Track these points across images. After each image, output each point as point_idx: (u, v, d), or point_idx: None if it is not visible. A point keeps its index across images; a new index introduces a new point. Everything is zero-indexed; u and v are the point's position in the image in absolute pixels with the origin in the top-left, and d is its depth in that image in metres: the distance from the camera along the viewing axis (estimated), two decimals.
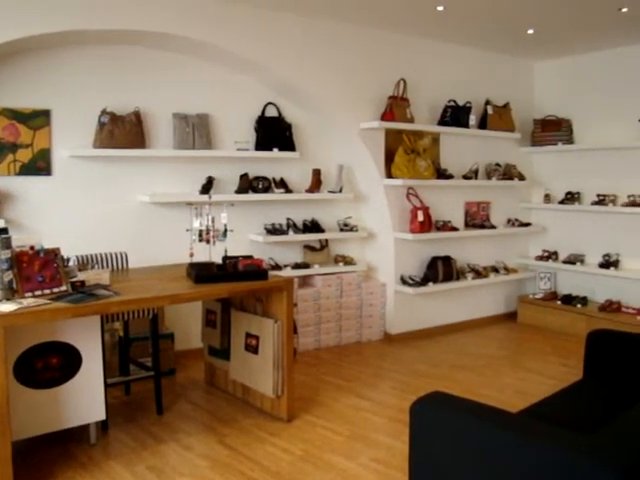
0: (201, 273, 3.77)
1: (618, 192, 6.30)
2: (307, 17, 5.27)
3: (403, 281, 5.99)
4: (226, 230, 4.14)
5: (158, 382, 4.13)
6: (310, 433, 3.81)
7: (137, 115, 4.84)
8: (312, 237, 5.69)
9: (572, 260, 6.58)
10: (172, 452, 3.55)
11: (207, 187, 5.14)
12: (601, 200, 6.32)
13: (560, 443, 1.94)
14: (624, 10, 5.00)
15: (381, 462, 3.45)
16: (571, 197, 6.61)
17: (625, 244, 6.33)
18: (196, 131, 5.07)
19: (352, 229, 5.93)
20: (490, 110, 6.36)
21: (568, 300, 6.45)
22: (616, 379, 3.41)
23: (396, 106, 5.68)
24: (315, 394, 4.52)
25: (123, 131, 4.74)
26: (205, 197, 4.72)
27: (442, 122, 6.15)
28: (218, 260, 4.12)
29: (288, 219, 5.66)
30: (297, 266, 5.62)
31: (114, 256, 4.34)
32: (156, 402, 4.13)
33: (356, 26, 5.56)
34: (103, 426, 3.81)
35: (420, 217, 5.85)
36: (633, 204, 6.03)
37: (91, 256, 4.19)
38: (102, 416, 3.60)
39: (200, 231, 4.11)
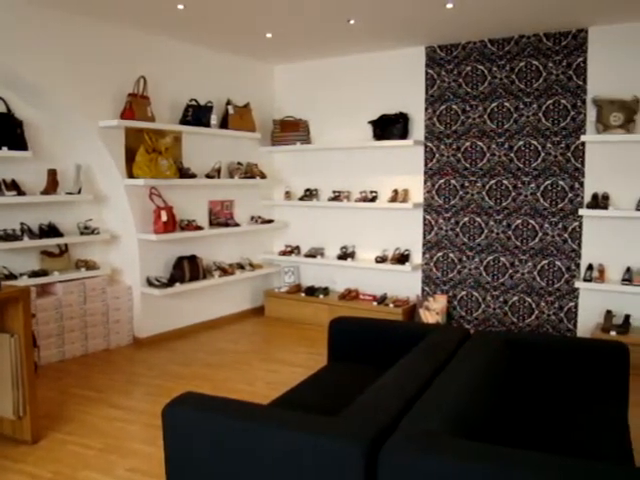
0: None
1: (352, 188, 6.82)
2: (38, 7, 4.88)
3: (149, 283, 5.87)
4: None
5: None
6: (60, 452, 3.57)
7: None
8: (50, 242, 5.31)
9: (313, 253, 6.97)
10: None
11: None
12: (337, 196, 6.78)
13: (306, 428, 2.05)
14: (352, 22, 5.40)
15: (138, 471, 3.35)
16: (310, 194, 7.00)
17: (359, 236, 6.87)
18: None
19: (93, 232, 5.65)
20: (231, 110, 6.47)
21: (311, 291, 6.82)
22: (357, 361, 3.69)
23: (136, 104, 5.52)
24: (63, 409, 4.23)
25: None
26: None
27: (184, 121, 6.11)
28: None
29: (22, 224, 5.21)
30: (34, 274, 5.21)
31: None
32: None
33: (92, 20, 5.27)
34: None
35: (164, 217, 5.77)
36: (364, 199, 6.57)
37: None
38: None
39: None
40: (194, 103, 6.16)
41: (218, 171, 6.47)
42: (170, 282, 5.93)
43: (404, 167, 6.50)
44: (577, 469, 1.74)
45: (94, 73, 5.38)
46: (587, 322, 5.67)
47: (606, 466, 1.77)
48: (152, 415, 4.13)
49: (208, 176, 6.38)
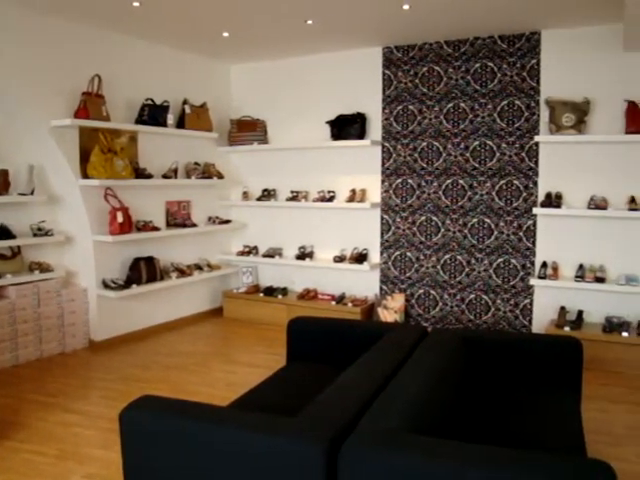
0: None
1: (309, 188, 6.82)
2: None
3: (105, 285, 5.78)
4: None
5: None
6: (12, 461, 3.47)
7: None
8: (2, 244, 5.17)
9: (271, 254, 6.95)
10: None
11: None
12: (294, 196, 6.77)
13: (266, 429, 2.04)
14: (309, 22, 5.40)
15: (96, 477, 3.29)
16: (267, 194, 6.98)
17: (317, 236, 6.88)
18: None
19: (47, 233, 5.54)
20: (188, 109, 6.41)
21: (270, 292, 6.80)
22: (316, 361, 3.69)
23: (91, 103, 5.42)
24: (17, 416, 4.13)
25: None
26: None
27: (140, 121, 6.02)
28: None
29: None
30: None
31: None
32: None
33: (45, 16, 5.16)
34: None
35: (120, 218, 5.69)
36: (322, 199, 6.57)
37: None
38: None
39: None
40: (150, 102, 6.09)
41: (175, 171, 6.40)
42: (127, 284, 5.85)
43: (362, 167, 6.53)
44: (531, 461, 1.77)
45: (47, 71, 5.27)
46: (542, 318, 5.77)
47: (559, 457, 1.81)
48: (109, 420, 4.06)
49: (165, 176, 6.30)
